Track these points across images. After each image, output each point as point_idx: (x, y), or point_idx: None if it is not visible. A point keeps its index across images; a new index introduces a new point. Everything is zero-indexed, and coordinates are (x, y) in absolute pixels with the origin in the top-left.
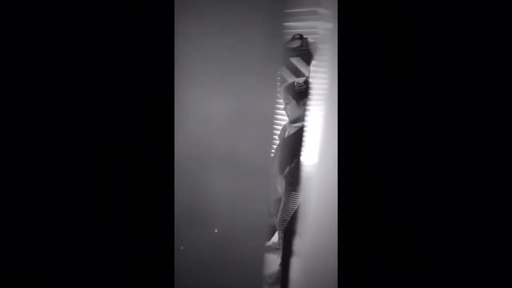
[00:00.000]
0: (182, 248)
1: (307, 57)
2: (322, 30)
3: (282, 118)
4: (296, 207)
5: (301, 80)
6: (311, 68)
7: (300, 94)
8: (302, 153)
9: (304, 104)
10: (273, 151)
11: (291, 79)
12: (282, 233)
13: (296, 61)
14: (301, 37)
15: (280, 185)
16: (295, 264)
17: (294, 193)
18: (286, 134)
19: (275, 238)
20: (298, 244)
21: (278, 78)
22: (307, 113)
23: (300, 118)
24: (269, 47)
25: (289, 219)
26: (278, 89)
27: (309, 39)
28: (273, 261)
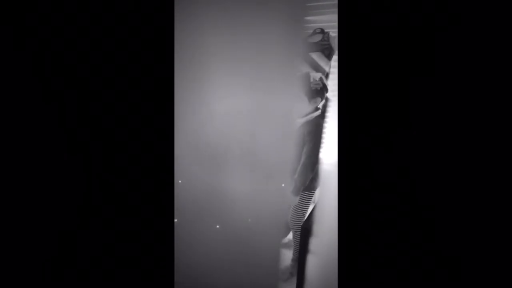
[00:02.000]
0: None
1: (328, 52)
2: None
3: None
4: (308, 207)
5: (317, 76)
6: (332, 63)
7: (315, 92)
8: (305, 148)
9: (316, 103)
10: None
11: (307, 71)
12: (296, 232)
13: (316, 56)
14: (322, 31)
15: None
16: (310, 261)
17: (307, 193)
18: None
19: (291, 235)
20: (314, 243)
21: (298, 73)
22: (320, 111)
23: (307, 114)
24: (289, 42)
25: (301, 219)
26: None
27: (330, 33)
28: (289, 258)
